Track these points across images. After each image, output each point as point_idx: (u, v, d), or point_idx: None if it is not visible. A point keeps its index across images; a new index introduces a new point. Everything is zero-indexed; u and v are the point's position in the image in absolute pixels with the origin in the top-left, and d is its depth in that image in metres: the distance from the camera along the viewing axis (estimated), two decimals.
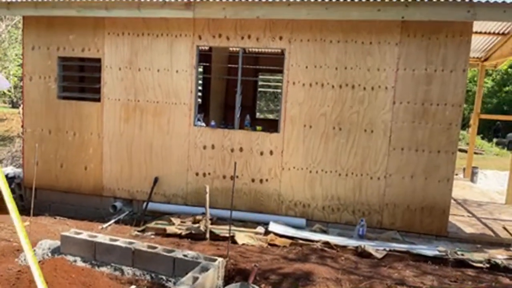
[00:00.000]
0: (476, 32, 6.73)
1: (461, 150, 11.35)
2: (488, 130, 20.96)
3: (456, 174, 8.34)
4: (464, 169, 9.47)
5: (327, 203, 5.44)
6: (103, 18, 5.75)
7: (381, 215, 5.32)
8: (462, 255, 4.46)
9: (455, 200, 6.87)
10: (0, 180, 1.76)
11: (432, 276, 3.87)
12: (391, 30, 5.09)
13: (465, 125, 15.90)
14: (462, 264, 4.26)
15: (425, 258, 4.38)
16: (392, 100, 5.17)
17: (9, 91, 18.34)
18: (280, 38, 5.39)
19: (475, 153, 11.89)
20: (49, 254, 4.06)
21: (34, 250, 4.18)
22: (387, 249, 4.56)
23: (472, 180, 8.89)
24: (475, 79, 17.50)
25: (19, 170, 8.90)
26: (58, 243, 4.17)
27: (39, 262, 3.28)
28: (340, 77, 5.26)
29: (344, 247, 4.62)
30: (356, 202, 5.36)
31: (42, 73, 6.10)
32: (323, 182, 5.42)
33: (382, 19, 4.93)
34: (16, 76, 17.36)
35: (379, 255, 4.37)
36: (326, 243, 4.66)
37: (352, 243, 4.74)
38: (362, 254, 4.42)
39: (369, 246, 4.54)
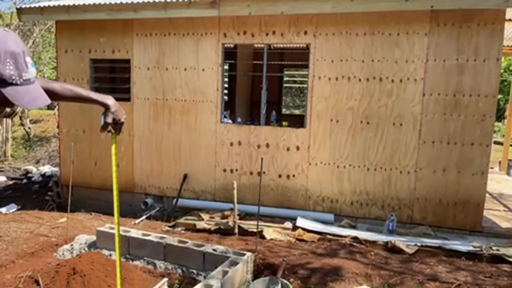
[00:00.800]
0: (509, 20, 6.44)
1: (496, 143, 10.91)
2: None
3: (491, 168, 8.04)
4: (500, 162, 9.11)
5: (356, 198, 5.38)
6: (132, 20, 5.91)
7: (412, 210, 5.21)
8: (498, 250, 4.31)
9: (490, 194, 6.63)
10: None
11: (466, 271, 3.76)
12: (419, 20, 4.96)
13: (500, 116, 15.25)
14: (497, 259, 4.12)
15: (458, 254, 4.26)
16: (421, 92, 5.04)
17: None
18: (305, 32, 5.36)
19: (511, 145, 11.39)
20: (86, 249, 4.24)
21: (72, 245, 4.38)
22: (419, 244, 4.47)
23: (508, 174, 8.54)
24: (510, 68, 16.71)
25: (56, 169, 9.32)
26: (94, 238, 4.35)
27: (77, 256, 3.44)
28: (367, 70, 5.18)
29: (373, 243, 4.56)
30: (385, 197, 5.28)
31: (75, 75, 6.34)
32: (351, 177, 5.36)
33: (410, 9, 4.81)
34: (50, 79, 18.10)
35: (410, 251, 4.29)
36: (355, 238, 4.62)
37: (381, 238, 4.67)
38: (392, 249, 4.35)
39: (399, 241, 4.47)
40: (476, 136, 4.95)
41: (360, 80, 5.21)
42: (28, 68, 1.33)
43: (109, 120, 1.74)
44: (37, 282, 3.10)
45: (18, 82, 1.29)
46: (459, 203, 5.06)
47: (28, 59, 1.33)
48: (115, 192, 1.97)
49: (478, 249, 4.33)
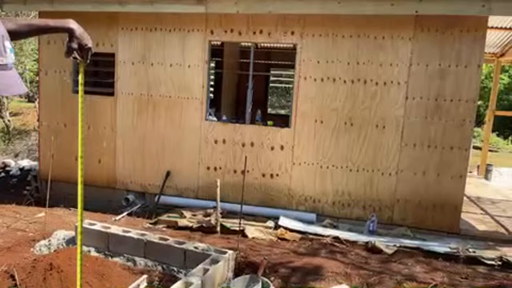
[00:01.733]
0: (491, 27, 6.61)
1: (475, 147, 11.19)
2: (503, 127, 20.54)
3: (470, 172, 8.22)
4: (478, 166, 9.33)
5: (338, 198, 5.44)
6: (117, 13, 5.81)
7: (392, 211, 5.30)
8: (474, 252, 4.42)
9: (468, 197, 6.78)
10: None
11: (442, 272, 3.85)
12: (404, 25, 5.04)
13: (480, 122, 15.64)
14: (473, 261, 4.23)
15: (436, 255, 4.35)
16: (404, 95, 5.12)
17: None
18: (292, 33, 5.38)
19: (490, 150, 11.69)
20: (64, 244, 4.17)
21: (50, 240, 4.30)
22: (398, 245, 4.55)
23: (486, 178, 8.76)
24: (491, 75, 17.15)
25: (35, 163, 9.10)
26: (72, 233, 4.28)
27: (54, 251, 3.38)
28: (352, 72, 5.23)
29: (354, 243, 4.62)
30: (367, 198, 5.35)
31: (58, 67, 6.21)
32: (334, 178, 5.42)
33: (395, 14, 4.88)
34: (31, 71, 17.67)
35: (389, 251, 4.36)
36: (336, 238, 4.67)
37: (362, 238, 4.73)
38: (372, 249, 4.42)
39: (379, 242, 4.53)
40: (456, 140, 5.06)
41: (345, 81, 5.27)
42: (6, 53, 1.26)
43: (74, 45, 1.57)
44: (12, 277, 3.03)
45: None
46: (438, 205, 5.16)
47: (8, 44, 1.26)
48: (80, 167, 1.83)
49: (455, 250, 4.43)
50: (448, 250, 4.46)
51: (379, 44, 5.12)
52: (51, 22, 1.57)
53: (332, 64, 5.28)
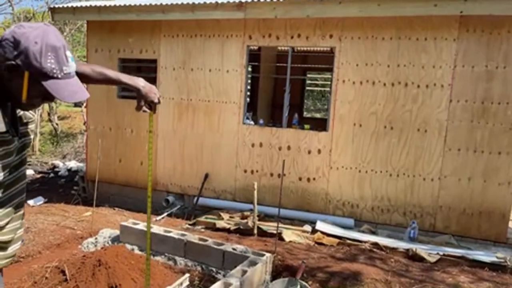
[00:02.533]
0: None
1: None
2: None
3: None
4: None
5: (377, 203, 5.33)
6: (160, 21, 6.04)
7: (434, 218, 5.12)
8: None
9: None
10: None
11: (488, 282, 3.67)
12: (448, 26, 4.88)
13: None
14: None
15: (481, 264, 4.16)
16: (448, 98, 4.95)
17: None
18: (330, 36, 5.36)
19: None
20: (109, 242, 4.37)
21: (96, 238, 4.52)
22: (441, 253, 4.38)
23: None
24: None
25: (82, 164, 9.59)
26: (117, 232, 4.47)
27: (102, 248, 3.55)
28: (392, 75, 5.13)
29: (394, 249, 4.51)
30: (407, 204, 5.21)
31: None
32: (373, 182, 5.32)
33: (438, 15, 4.74)
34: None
35: (432, 259, 4.22)
36: (375, 244, 4.57)
37: (402, 245, 4.61)
38: (413, 257, 4.29)
39: (421, 249, 4.40)
40: (504, 145, 4.82)
41: (384, 84, 5.17)
42: (68, 62, 1.36)
43: (142, 103, 1.76)
44: (63, 272, 3.22)
45: (59, 76, 1.33)
46: (484, 213, 4.94)
47: (69, 53, 1.37)
48: (149, 178, 2.05)
49: (502, 260, 4.22)
50: (495, 259, 4.25)
51: (421, 45, 4.99)
52: (123, 78, 1.73)
53: (372, 66, 5.20)
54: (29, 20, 18.61)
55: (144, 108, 1.79)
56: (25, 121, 1.50)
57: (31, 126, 1.54)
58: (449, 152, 5.01)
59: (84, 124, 13.83)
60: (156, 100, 1.78)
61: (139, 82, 1.75)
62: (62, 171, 9.28)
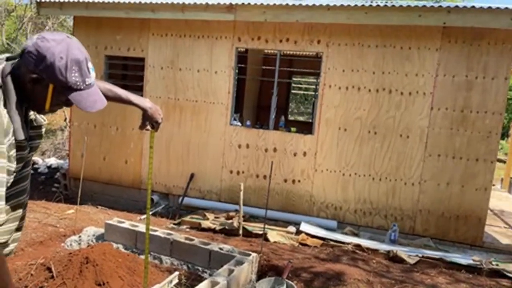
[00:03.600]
0: None
1: (499, 160, 10.98)
2: None
3: (494, 185, 8.10)
4: (502, 179, 9.18)
5: (359, 206, 5.47)
6: (149, 20, 6.03)
7: (414, 221, 5.29)
8: (497, 265, 4.38)
9: (491, 210, 6.70)
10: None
11: (465, 284, 3.84)
12: (431, 36, 5.07)
13: (504, 134, 15.33)
14: (497, 274, 4.20)
15: (458, 267, 4.33)
16: (429, 106, 5.14)
17: None
18: (318, 41, 5.47)
19: None
20: (94, 240, 4.33)
21: (80, 236, 4.47)
22: (420, 255, 4.54)
23: (510, 192, 8.61)
24: None
25: (62, 161, 9.42)
26: (101, 230, 4.44)
27: (88, 246, 3.53)
28: (377, 82, 5.28)
29: (375, 251, 4.64)
30: (388, 207, 5.36)
31: None
32: (356, 185, 5.45)
33: (422, 25, 4.92)
34: None
35: (411, 261, 4.37)
36: (358, 246, 4.69)
37: (384, 247, 4.75)
38: (394, 258, 4.43)
39: (401, 251, 4.54)
40: (481, 152, 5.03)
41: (370, 90, 5.32)
42: (90, 74, 1.42)
43: (146, 123, 1.87)
44: (49, 269, 3.18)
45: (82, 87, 1.39)
46: (461, 217, 5.14)
47: (90, 65, 1.42)
48: (149, 187, 2.11)
49: (478, 263, 4.40)
50: (471, 262, 4.44)
51: (405, 54, 5.16)
52: (132, 98, 1.82)
53: (357, 73, 5.34)
54: (10, 13, 18.13)
55: (148, 127, 1.90)
56: (36, 124, 1.53)
57: (42, 130, 1.57)
58: (429, 158, 5.19)
59: (65, 120, 13.56)
60: (160, 121, 1.89)
61: (147, 104, 1.85)
62: (41, 168, 9.08)
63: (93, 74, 1.44)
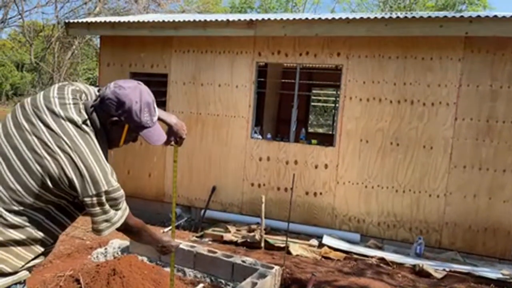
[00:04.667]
0: None
1: None
2: None
3: None
4: None
5: (383, 219, 5.38)
6: (171, 37, 6.21)
7: (440, 234, 5.16)
8: None
9: None
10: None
11: None
12: (453, 46, 5.02)
13: None
14: None
15: (487, 281, 4.20)
16: (453, 116, 5.06)
17: None
18: (338, 54, 5.50)
19: None
20: (119, 253, 4.42)
21: (106, 248, 4.57)
22: (447, 269, 4.43)
23: None
24: None
25: None
26: (126, 243, 4.53)
27: (115, 258, 3.61)
28: (399, 93, 5.25)
29: (400, 265, 4.55)
30: (413, 220, 5.26)
31: None
32: (379, 198, 5.38)
33: (444, 35, 4.89)
34: None
35: (438, 275, 4.26)
36: (382, 259, 4.62)
37: (409, 261, 4.65)
38: (420, 273, 4.33)
39: (427, 265, 4.44)
40: (509, 162, 4.90)
41: (391, 102, 5.29)
42: (156, 113, 1.65)
43: (172, 138, 1.99)
44: (77, 281, 3.27)
45: (151, 125, 1.62)
46: (489, 230, 4.99)
47: (155, 106, 1.65)
48: (174, 201, 2.17)
49: (507, 277, 4.26)
50: (501, 276, 4.29)
51: (427, 65, 5.12)
52: (160, 114, 1.92)
53: (378, 84, 5.33)
54: (38, 33, 18.95)
55: (172, 142, 2.01)
56: None
57: None
58: (454, 169, 5.09)
59: None
60: (184, 136, 2.01)
61: (173, 119, 1.98)
62: None
63: (156, 113, 1.66)
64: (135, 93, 1.57)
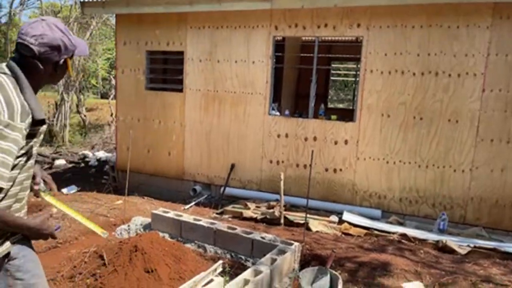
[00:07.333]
0: None
1: None
2: None
3: None
4: None
5: (405, 195, 5.28)
6: (186, 13, 6.10)
7: (465, 210, 5.03)
8: None
9: None
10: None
11: None
12: (481, 13, 4.73)
13: None
14: None
15: None
16: (481, 87, 4.82)
17: (97, 83, 20.19)
18: (358, 25, 5.29)
19: None
20: (141, 229, 4.51)
21: (129, 225, 4.68)
22: (472, 245, 4.32)
23: None
24: None
25: (110, 154, 9.87)
26: (148, 219, 4.62)
27: (137, 235, 3.68)
28: (423, 64, 5.03)
29: (423, 241, 4.47)
30: (436, 195, 5.13)
31: (132, 66, 6.67)
32: (401, 173, 5.26)
33: (470, 1, 4.60)
34: (103, 69, 19.04)
35: (462, 251, 4.17)
36: (403, 235, 4.55)
37: (432, 237, 4.56)
38: (443, 249, 4.25)
39: (451, 241, 4.34)
40: None
41: (414, 74, 5.08)
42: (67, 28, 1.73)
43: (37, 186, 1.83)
44: (101, 257, 3.36)
45: (78, 41, 1.74)
46: None
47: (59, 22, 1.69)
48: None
49: None
50: None
51: (452, 33, 4.86)
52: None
53: (401, 56, 5.11)
54: (56, 14, 19.07)
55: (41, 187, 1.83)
56: None
57: None
58: (481, 143, 4.90)
59: (111, 115, 14.18)
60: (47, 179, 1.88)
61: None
62: (92, 161, 9.57)
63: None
64: (53, 31, 1.59)
